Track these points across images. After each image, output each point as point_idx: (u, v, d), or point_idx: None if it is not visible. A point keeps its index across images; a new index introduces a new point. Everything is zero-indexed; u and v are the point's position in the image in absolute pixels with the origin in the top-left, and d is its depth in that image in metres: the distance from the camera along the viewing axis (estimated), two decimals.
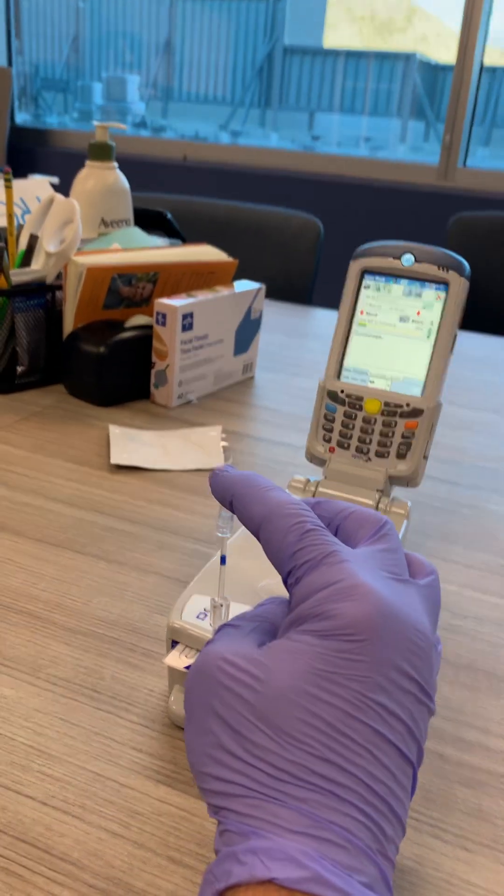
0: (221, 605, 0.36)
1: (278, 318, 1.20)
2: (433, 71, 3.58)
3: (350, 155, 2.76)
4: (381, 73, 3.59)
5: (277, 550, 0.29)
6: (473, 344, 1.16)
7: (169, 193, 1.64)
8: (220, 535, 0.34)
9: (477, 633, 0.49)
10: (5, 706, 0.40)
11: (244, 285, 0.87)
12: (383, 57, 3.57)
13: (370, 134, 3.70)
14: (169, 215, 1.15)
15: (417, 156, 3.50)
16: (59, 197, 0.81)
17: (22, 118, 3.64)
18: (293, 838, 0.24)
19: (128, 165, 2.93)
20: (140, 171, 2.94)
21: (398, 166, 2.67)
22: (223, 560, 0.35)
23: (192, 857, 0.33)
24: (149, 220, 1.15)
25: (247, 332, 0.88)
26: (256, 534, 0.30)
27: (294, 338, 1.10)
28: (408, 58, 3.54)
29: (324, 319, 1.23)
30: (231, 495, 0.32)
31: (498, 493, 0.68)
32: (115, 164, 0.97)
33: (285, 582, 0.29)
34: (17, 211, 0.95)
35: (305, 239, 1.47)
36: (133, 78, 4.06)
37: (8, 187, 0.78)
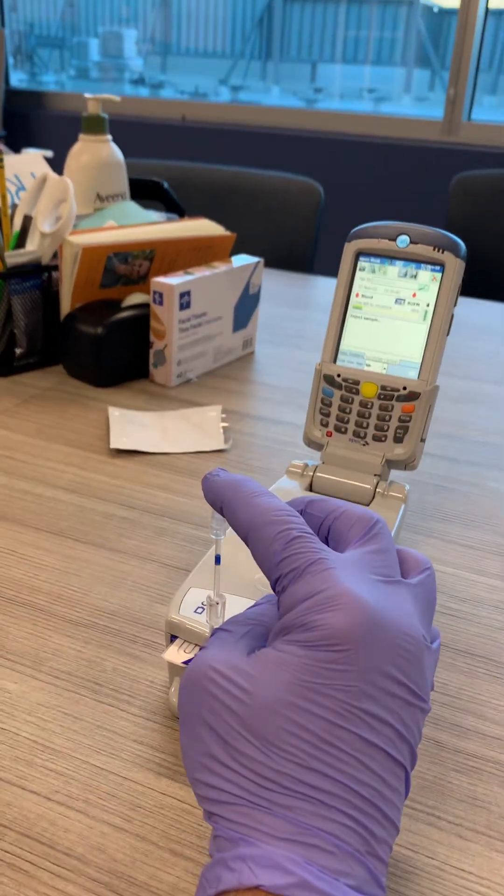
0: (217, 603, 0.36)
1: (278, 288, 1.19)
2: (437, 16, 3.47)
3: (352, 112, 2.70)
4: (384, 20, 3.48)
5: (264, 558, 0.29)
6: (476, 311, 1.15)
7: (166, 159, 1.61)
8: (213, 536, 0.34)
9: (474, 617, 0.50)
10: (9, 701, 0.41)
11: (242, 260, 0.86)
12: (385, 3, 3.47)
13: (374, 84, 3.61)
14: (166, 185, 1.14)
15: (422, 106, 3.42)
16: (53, 175, 0.80)
17: (17, 78, 3.57)
18: (280, 845, 0.24)
19: (125, 127, 2.89)
20: (138, 132, 2.89)
21: (402, 122, 2.62)
22: (217, 560, 0.36)
23: (193, 850, 0.34)
24: (146, 191, 1.14)
25: (246, 307, 0.87)
26: (245, 540, 0.30)
27: (295, 308, 1.09)
28: (411, 3, 3.44)
29: (325, 288, 1.22)
30: (220, 501, 0.32)
31: (498, 468, 0.68)
32: (109, 137, 0.96)
33: (273, 589, 0.29)
34: (12, 188, 0.94)
35: (306, 204, 1.45)
36: (130, 33, 3.96)
37: (0, 167, 0.77)
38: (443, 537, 0.58)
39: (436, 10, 3.41)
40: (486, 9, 2.48)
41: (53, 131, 3.09)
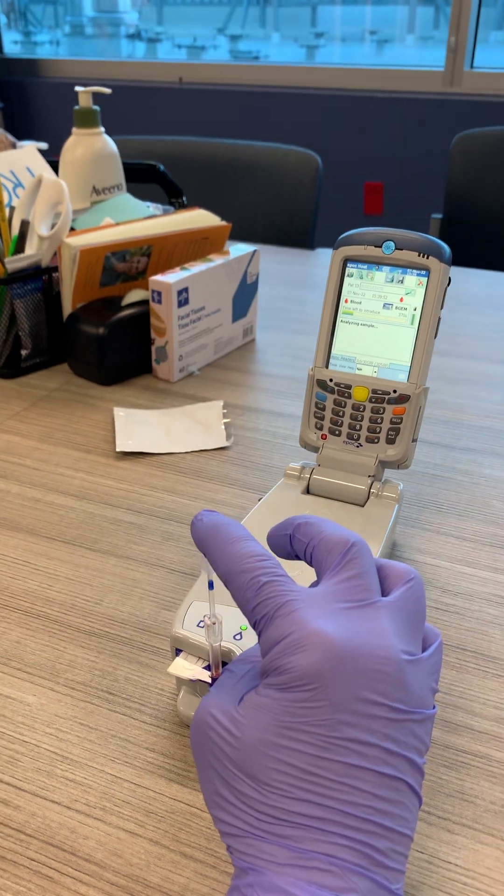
0: (214, 624, 0.39)
1: (278, 266, 1.20)
2: None
3: (351, 66, 2.65)
4: None
5: (241, 605, 0.31)
6: (479, 282, 1.15)
7: (163, 135, 1.60)
8: (204, 571, 0.36)
9: (466, 611, 0.52)
10: (30, 714, 0.44)
11: (239, 250, 0.87)
12: None
13: (376, 26, 3.51)
14: (162, 167, 1.14)
15: (426, 46, 3.33)
16: (47, 178, 0.81)
17: (11, 39, 3.51)
18: (282, 871, 0.27)
19: (122, 93, 2.85)
20: (134, 97, 2.85)
21: (403, 74, 2.56)
22: (210, 585, 0.38)
23: (202, 852, 0.37)
24: (142, 175, 1.14)
25: (244, 296, 0.89)
26: (226, 587, 0.32)
27: (294, 289, 1.10)
28: None
29: (324, 265, 1.22)
30: (202, 549, 0.34)
31: (494, 454, 0.70)
32: (102, 130, 0.96)
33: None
34: (8, 185, 0.95)
35: (304, 175, 1.44)
36: None
37: None
38: (437, 529, 0.60)
39: None
40: None
41: (48, 98, 3.05)
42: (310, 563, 0.35)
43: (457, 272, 1.19)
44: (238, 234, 1.43)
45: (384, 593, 0.33)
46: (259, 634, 0.31)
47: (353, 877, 0.27)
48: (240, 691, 0.31)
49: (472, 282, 1.14)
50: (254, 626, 0.31)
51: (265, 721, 0.29)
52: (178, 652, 0.43)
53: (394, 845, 0.29)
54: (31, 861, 0.37)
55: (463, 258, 1.44)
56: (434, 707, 0.32)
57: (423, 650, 0.32)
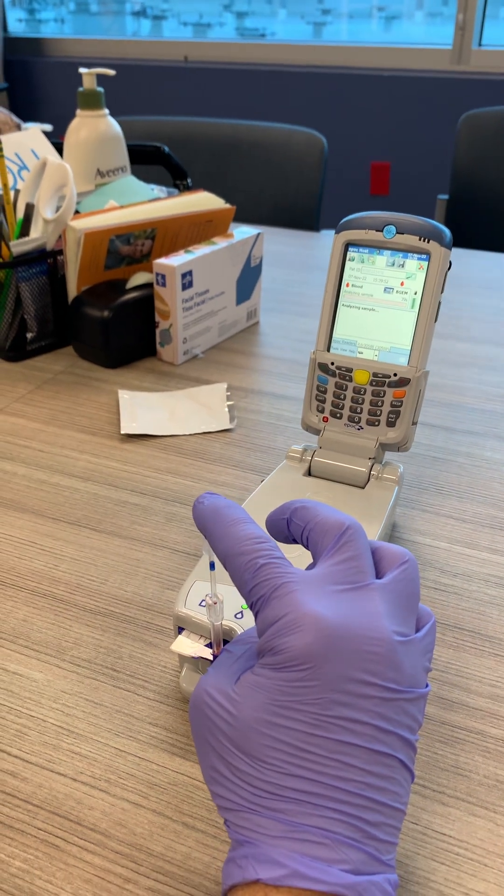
0: (215, 603, 0.40)
1: (282, 248, 1.20)
2: None
3: (358, 44, 2.62)
4: None
5: (239, 587, 0.32)
6: (482, 265, 1.15)
7: (168, 115, 1.60)
8: (205, 552, 0.37)
9: (464, 591, 0.53)
10: (36, 689, 0.45)
11: (242, 233, 0.88)
12: None
13: (383, 2, 3.47)
14: (166, 149, 1.14)
15: (435, 22, 3.29)
16: (52, 161, 0.81)
17: (15, 17, 3.48)
18: (275, 843, 0.28)
19: (128, 71, 2.83)
20: (139, 76, 2.84)
21: (410, 52, 2.54)
22: (212, 566, 0.39)
23: (204, 822, 0.38)
24: (147, 157, 1.14)
25: (248, 279, 0.89)
26: (225, 569, 0.33)
27: (299, 271, 1.10)
28: None
29: (328, 247, 1.22)
30: (203, 530, 0.35)
31: (495, 437, 0.71)
32: (106, 112, 0.96)
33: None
34: (13, 167, 0.95)
35: (309, 156, 1.44)
36: None
37: (0, 156, 0.78)
38: (437, 511, 0.61)
39: None
40: None
41: (53, 77, 3.03)
42: (306, 547, 0.36)
43: (460, 254, 1.19)
44: (243, 215, 1.43)
45: (379, 575, 0.34)
46: (255, 615, 0.31)
47: (344, 848, 0.28)
48: (237, 671, 0.32)
49: (474, 264, 1.14)
50: (251, 607, 0.32)
51: (260, 700, 0.30)
52: (180, 630, 0.44)
53: (385, 819, 0.30)
54: (39, 830, 0.38)
55: (469, 239, 1.44)
56: (427, 686, 0.32)
57: (417, 631, 0.33)
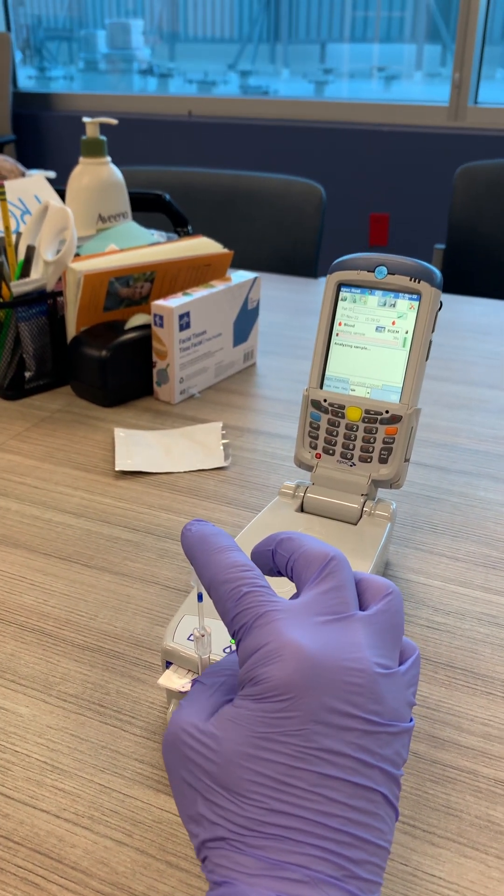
0: (203, 636, 0.39)
1: (280, 294, 1.22)
2: None
3: (357, 101, 2.70)
4: None
5: (222, 615, 0.32)
6: (478, 311, 1.16)
7: (171, 165, 1.64)
8: (192, 584, 0.37)
9: (457, 630, 0.52)
10: (22, 724, 0.45)
11: (240, 277, 0.89)
12: None
13: (384, 62, 3.58)
14: (167, 197, 1.16)
15: (434, 82, 3.39)
16: (53, 205, 0.83)
17: (27, 74, 3.60)
18: (254, 881, 0.28)
19: (133, 125, 2.90)
20: (145, 129, 2.91)
21: (408, 109, 2.61)
22: (200, 597, 0.39)
23: (187, 861, 0.37)
24: (148, 204, 1.17)
25: (245, 322, 0.90)
26: (210, 597, 0.33)
27: (296, 316, 1.12)
28: None
29: None
30: (189, 558, 0.35)
31: (489, 477, 0.71)
32: (108, 159, 0.99)
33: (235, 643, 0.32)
34: (16, 212, 0.97)
35: (308, 205, 1.47)
36: (137, 23, 3.98)
37: (2, 200, 0.80)
38: (431, 549, 0.61)
39: None
40: None
41: (62, 132, 3.11)
42: (291, 578, 0.35)
43: (454, 300, 1.20)
44: (244, 263, 1.45)
45: (363, 607, 0.33)
46: (237, 644, 0.31)
47: (325, 887, 0.28)
48: (213, 704, 0.31)
49: (469, 310, 1.16)
50: (233, 635, 0.31)
51: (241, 732, 0.29)
52: (168, 665, 0.43)
53: (369, 857, 0.29)
54: (19, 868, 0.37)
55: (465, 287, 1.46)
56: (412, 720, 0.32)
57: (401, 664, 0.33)
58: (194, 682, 0.33)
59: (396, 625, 0.33)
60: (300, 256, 1.48)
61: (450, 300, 1.20)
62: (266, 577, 0.35)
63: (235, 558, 0.33)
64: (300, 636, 0.30)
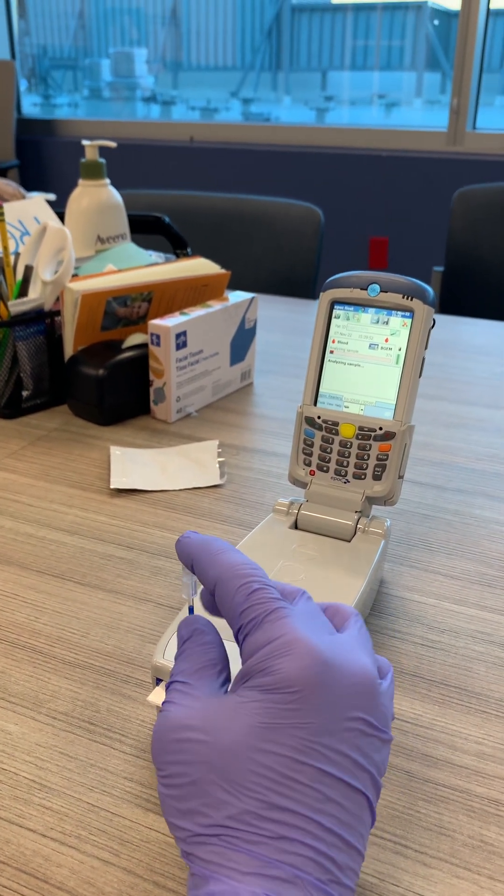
0: None
1: (279, 314, 1.22)
2: (447, 18, 3.49)
3: (357, 126, 2.73)
4: (393, 27, 3.51)
5: (228, 609, 0.32)
6: (475, 331, 1.17)
7: (172, 189, 1.65)
8: (184, 597, 0.37)
9: (451, 648, 0.52)
10: (10, 742, 0.44)
11: (237, 297, 0.90)
12: (394, 8, 3.50)
13: (384, 90, 3.63)
14: (167, 219, 1.18)
15: (433, 109, 3.44)
16: (52, 225, 0.84)
17: (31, 101, 3.65)
18: (245, 879, 0.27)
19: (135, 150, 2.93)
20: (147, 155, 2.95)
21: (407, 134, 2.64)
22: (191, 611, 0.38)
23: (175, 881, 0.37)
24: (147, 226, 1.18)
25: (242, 341, 0.91)
26: (213, 594, 0.33)
27: (294, 336, 1.12)
28: (419, 7, 3.46)
29: None
30: (191, 559, 0.35)
31: (484, 495, 0.71)
32: (107, 181, 1.00)
33: (236, 638, 0.32)
34: (16, 233, 0.98)
35: (306, 228, 1.48)
36: (140, 52, 4.04)
37: (1, 221, 0.81)
38: (426, 567, 0.61)
39: (445, 10, 3.43)
40: (488, 11, 2.49)
41: (64, 157, 3.15)
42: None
43: (451, 321, 1.21)
44: (242, 285, 1.46)
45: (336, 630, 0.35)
46: (244, 638, 0.31)
47: (312, 890, 0.28)
48: (204, 696, 0.31)
49: (466, 330, 1.16)
50: (238, 630, 0.32)
51: (246, 723, 0.29)
52: (158, 681, 0.43)
53: (350, 862, 0.29)
54: (3, 888, 0.36)
55: (463, 309, 1.46)
56: (392, 736, 0.33)
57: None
58: (169, 683, 0.33)
59: (370, 643, 0.35)
60: (299, 279, 1.49)
61: (448, 321, 1.20)
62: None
63: (242, 558, 0.34)
64: (311, 634, 0.31)
